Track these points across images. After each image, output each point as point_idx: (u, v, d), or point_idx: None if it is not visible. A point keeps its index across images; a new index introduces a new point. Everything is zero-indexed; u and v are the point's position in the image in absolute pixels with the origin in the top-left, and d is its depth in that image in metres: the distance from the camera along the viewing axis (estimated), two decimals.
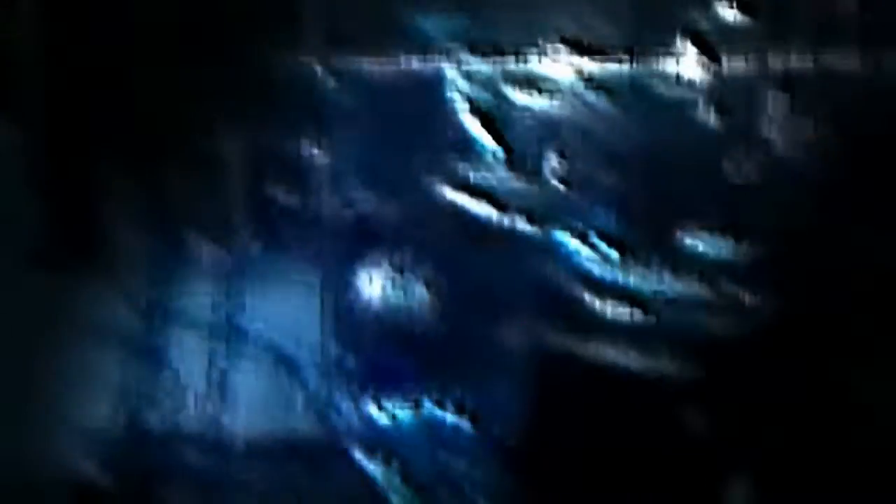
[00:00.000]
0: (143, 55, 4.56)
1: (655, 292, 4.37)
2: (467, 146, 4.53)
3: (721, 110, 4.44)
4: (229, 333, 4.45)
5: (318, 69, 4.59)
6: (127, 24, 4.54)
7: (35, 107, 4.53)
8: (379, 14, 4.60)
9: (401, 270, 4.49)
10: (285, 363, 4.46)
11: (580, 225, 4.46)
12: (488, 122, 4.54)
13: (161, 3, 4.58)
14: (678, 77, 4.49)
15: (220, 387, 4.44)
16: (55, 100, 4.58)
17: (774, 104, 4.42)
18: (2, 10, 4.59)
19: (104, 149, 4.56)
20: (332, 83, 4.57)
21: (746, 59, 4.45)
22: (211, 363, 4.43)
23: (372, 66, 4.59)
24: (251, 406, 4.44)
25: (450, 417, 4.39)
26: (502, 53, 4.55)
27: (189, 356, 4.44)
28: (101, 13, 4.55)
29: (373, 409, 4.43)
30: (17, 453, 4.37)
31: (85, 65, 4.57)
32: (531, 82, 4.54)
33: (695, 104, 4.47)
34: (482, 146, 4.53)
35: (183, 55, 4.56)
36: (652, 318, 4.37)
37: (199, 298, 4.46)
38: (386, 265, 4.50)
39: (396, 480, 4.36)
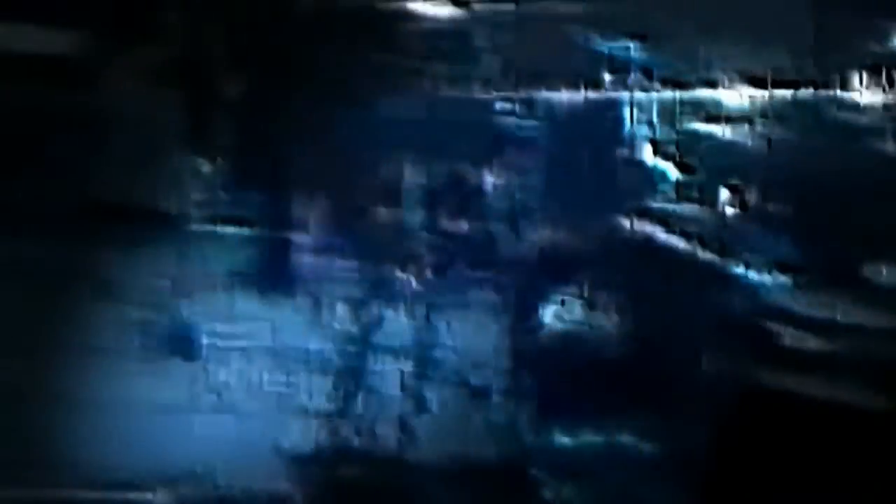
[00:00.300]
0: (334, 90, 4.67)
1: (838, 322, 4.44)
2: (648, 176, 4.61)
3: None
4: (421, 359, 4.58)
5: (499, 100, 4.68)
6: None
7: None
8: (559, 45, 4.67)
9: (584, 298, 4.59)
10: (473, 389, 4.58)
11: (762, 254, 4.53)
12: (669, 152, 4.61)
13: (348, 41, 4.68)
14: (859, 106, 4.53)
15: (412, 410, 4.57)
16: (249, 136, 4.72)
17: None
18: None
19: (300, 184, 4.69)
20: (513, 113, 4.66)
21: None
22: (404, 387, 4.57)
23: (553, 96, 4.67)
24: (440, 429, 4.57)
25: (634, 444, 4.49)
26: (683, 84, 4.62)
27: (384, 380, 4.58)
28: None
29: (558, 436, 4.54)
30: (215, 470, 4.53)
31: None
32: (712, 112, 4.60)
33: (876, 133, 4.52)
34: (663, 176, 4.61)
35: (366, 88, 4.67)
36: (836, 348, 4.44)
37: (394, 325, 4.59)
38: (570, 293, 4.60)
39: None
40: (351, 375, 4.59)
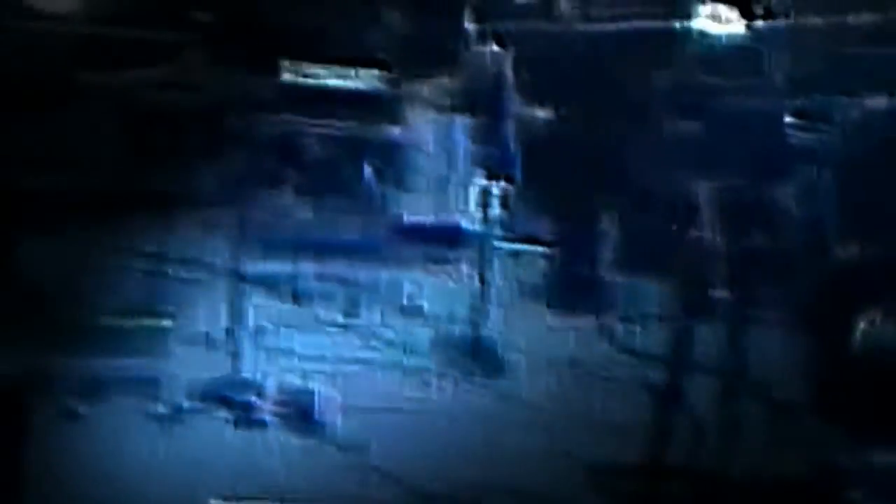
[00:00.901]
0: (629, 111, 4.78)
1: None
2: None
3: None
4: (729, 375, 4.55)
5: (784, 114, 4.70)
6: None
7: None
8: (839, 57, 4.67)
9: (889, 315, 4.50)
10: (781, 405, 4.54)
11: None
12: None
13: (644, 62, 4.78)
14: None
15: (722, 425, 4.54)
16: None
17: None
18: None
19: (596, 203, 4.79)
20: (799, 127, 4.68)
21: None
22: (713, 402, 4.55)
23: (839, 107, 4.67)
24: (751, 446, 4.52)
25: None
26: None
27: (691, 396, 4.57)
28: None
29: (876, 456, 4.43)
30: (522, 483, 4.57)
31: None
32: None
33: None
34: None
35: (660, 107, 4.75)
36: None
37: (699, 342, 4.58)
38: (880, 310, 4.52)
39: None
40: (657, 391, 4.61)
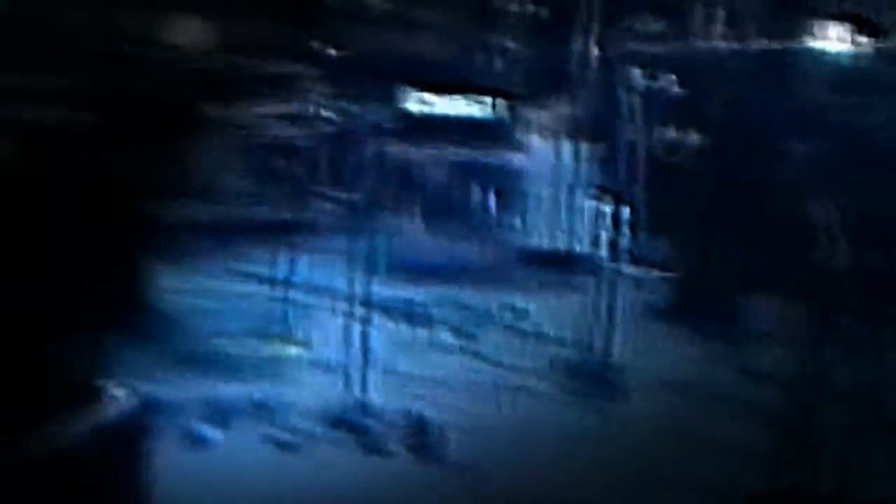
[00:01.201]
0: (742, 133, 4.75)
1: None
2: None
3: None
4: (866, 403, 4.46)
5: None
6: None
7: None
8: None
9: None
10: None
11: None
12: None
13: (758, 83, 4.75)
14: None
15: (855, 452, 4.44)
16: None
17: None
18: None
19: (709, 226, 4.77)
20: None
21: None
22: (844, 429, 4.46)
23: None
24: (878, 472, 4.41)
25: None
26: None
27: (823, 422, 4.47)
28: None
29: None
30: None
31: None
32: None
33: None
34: None
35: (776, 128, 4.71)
36: None
37: (835, 368, 4.49)
38: None
39: None
40: (781, 415, 4.53)
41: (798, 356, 4.56)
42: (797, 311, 4.62)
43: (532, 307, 4.90)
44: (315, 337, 5.03)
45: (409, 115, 5.52)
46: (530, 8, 5.35)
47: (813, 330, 4.51)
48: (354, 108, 5.47)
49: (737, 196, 4.70)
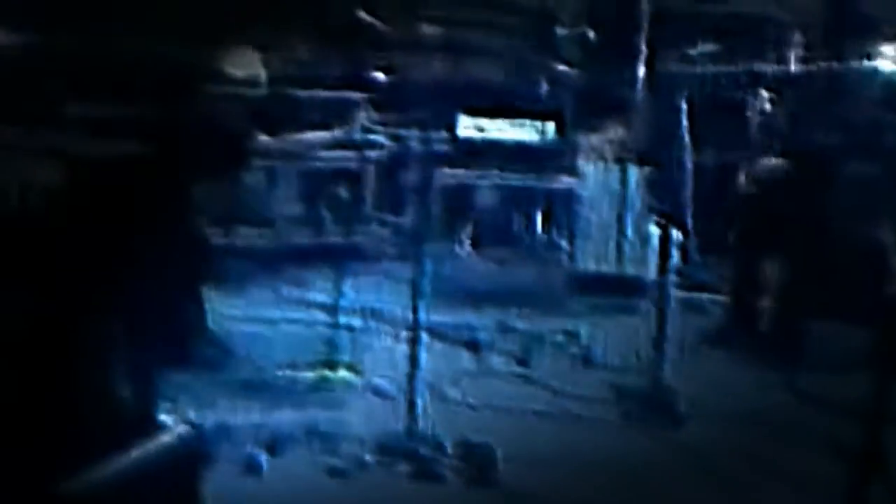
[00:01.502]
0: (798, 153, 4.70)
1: None
2: None
3: None
4: None
5: None
6: None
7: None
8: None
9: None
10: None
11: None
12: None
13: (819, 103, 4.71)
14: None
15: None
16: None
17: None
18: None
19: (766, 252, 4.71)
20: None
21: None
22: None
23: None
24: None
25: None
26: None
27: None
28: None
29: None
30: None
31: None
32: None
33: None
34: None
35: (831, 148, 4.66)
36: None
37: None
38: None
39: None
40: (848, 447, 4.44)
41: (868, 385, 4.48)
42: (867, 338, 4.53)
43: (585, 332, 4.86)
44: (367, 363, 5.02)
45: (461, 140, 5.51)
46: (585, 32, 5.33)
47: (884, 358, 4.43)
48: (407, 134, 5.47)
49: (799, 219, 4.64)
